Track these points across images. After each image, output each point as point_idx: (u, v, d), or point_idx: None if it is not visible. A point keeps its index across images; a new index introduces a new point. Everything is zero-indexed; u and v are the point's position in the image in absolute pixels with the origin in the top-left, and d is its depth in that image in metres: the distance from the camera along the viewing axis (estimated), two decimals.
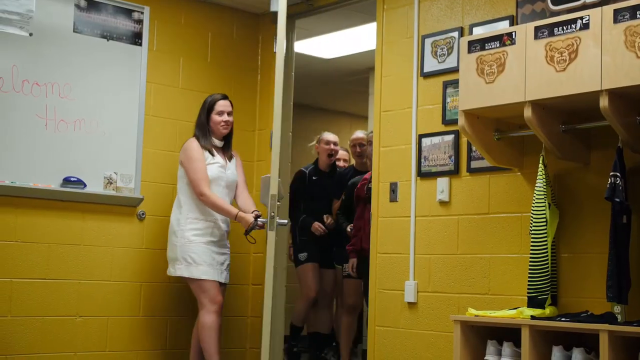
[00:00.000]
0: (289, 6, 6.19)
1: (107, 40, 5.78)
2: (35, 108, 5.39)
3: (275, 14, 5.37)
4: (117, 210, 5.79)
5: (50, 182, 5.45)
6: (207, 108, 5.55)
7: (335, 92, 9.42)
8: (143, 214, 5.84)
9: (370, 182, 5.71)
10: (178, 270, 5.44)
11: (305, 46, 7.49)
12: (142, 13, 5.95)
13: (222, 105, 5.58)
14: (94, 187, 5.64)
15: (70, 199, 5.54)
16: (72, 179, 5.52)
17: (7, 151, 5.27)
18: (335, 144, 6.99)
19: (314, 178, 6.91)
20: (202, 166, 5.43)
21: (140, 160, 5.82)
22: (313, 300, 6.83)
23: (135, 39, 5.93)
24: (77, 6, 5.67)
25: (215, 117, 5.53)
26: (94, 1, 5.73)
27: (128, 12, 5.90)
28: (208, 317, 5.36)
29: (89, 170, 5.61)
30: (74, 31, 5.63)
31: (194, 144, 5.51)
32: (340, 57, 7.99)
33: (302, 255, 6.79)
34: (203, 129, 5.53)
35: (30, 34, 5.39)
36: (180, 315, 5.96)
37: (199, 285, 5.40)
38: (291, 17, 6.37)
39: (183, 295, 5.88)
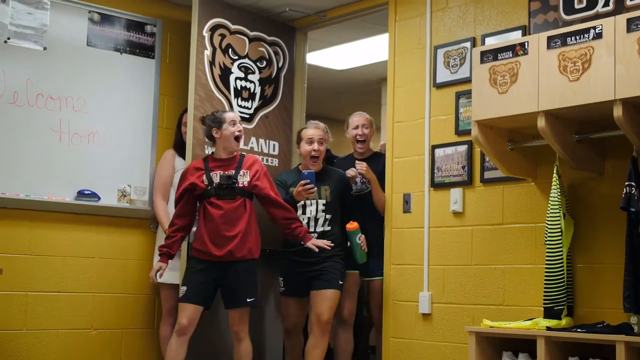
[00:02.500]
0: (301, 18, 6.24)
1: (120, 54, 5.80)
2: (49, 121, 5.42)
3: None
4: (131, 222, 5.80)
5: (65, 195, 5.47)
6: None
7: (348, 103, 9.42)
8: (156, 226, 5.85)
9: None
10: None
11: (318, 58, 7.50)
12: (154, 26, 5.98)
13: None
14: (108, 199, 5.66)
15: (84, 211, 5.56)
16: (86, 192, 5.54)
17: (22, 164, 5.30)
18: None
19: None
20: (161, 174, 5.72)
21: (154, 173, 5.84)
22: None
23: (148, 51, 5.95)
24: (91, 20, 5.70)
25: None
26: (107, 15, 5.76)
27: (141, 26, 5.92)
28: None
29: (102, 183, 5.63)
30: (87, 45, 5.66)
31: (167, 154, 5.81)
32: (353, 68, 7.99)
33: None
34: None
35: (45, 48, 5.42)
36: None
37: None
38: (303, 29, 6.39)
39: None
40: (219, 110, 5.27)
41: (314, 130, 5.46)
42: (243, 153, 5.24)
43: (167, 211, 5.58)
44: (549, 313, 4.20)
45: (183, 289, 4.95)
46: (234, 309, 4.99)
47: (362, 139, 5.74)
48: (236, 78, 5.93)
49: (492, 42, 4.85)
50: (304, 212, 5.31)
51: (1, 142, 5.27)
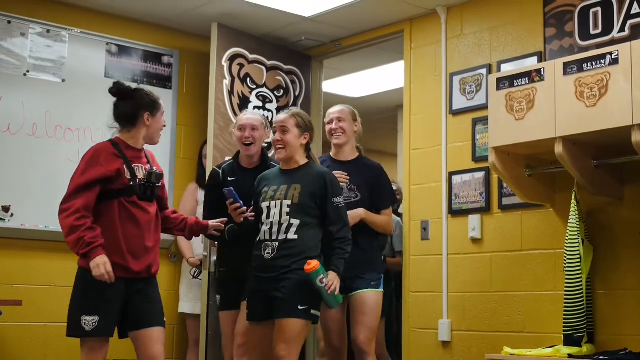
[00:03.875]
0: (317, 47, 6.28)
1: (138, 84, 5.85)
2: (68, 153, 5.45)
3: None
4: None
5: None
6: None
7: (364, 130, 9.43)
8: (175, 256, 5.86)
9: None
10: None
11: (334, 85, 7.53)
12: (171, 57, 6.03)
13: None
14: None
15: None
16: None
17: (41, 196, 5.33)
18: (253, 127, 4.54)
19: (229, 179, 4.55)
20: (184, 207, 5.74)
21: (172, 203, 5.85)
22: None
23: (165, 82, 6.00)
24: (109, 52, 5.75)
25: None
26: (125, 46, 5.82)
27: (158, 57, 5.97)
28: None
29: None
30: (105, 76, 5.70)
31: (190, 187, 5.85)
32: (369, 95, 8.01)
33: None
34: None
35: (63, 80, 5.48)
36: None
37: None
38: (319, 58, 6.42)
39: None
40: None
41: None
42: None
43: (189, 243, 5.59)
44: (569, 340, 4.17)
45: (94, 320, 3.71)
46: (154, 327, 3.84)
47: (337, 136, 4.68)
48: (254, 107, 5.97)
49: (508, 69, 4.86)
50: (267, 216, 4.09)
51: (20, 173, 5.31)
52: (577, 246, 4.22)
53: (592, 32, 4.60)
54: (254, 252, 4.11)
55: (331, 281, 3.94)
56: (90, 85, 5.63)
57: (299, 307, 3.91)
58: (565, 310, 4.21)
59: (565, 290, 4.23)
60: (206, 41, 5.84)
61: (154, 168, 3.94)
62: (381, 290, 4.51)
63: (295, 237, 4.01)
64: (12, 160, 5.27)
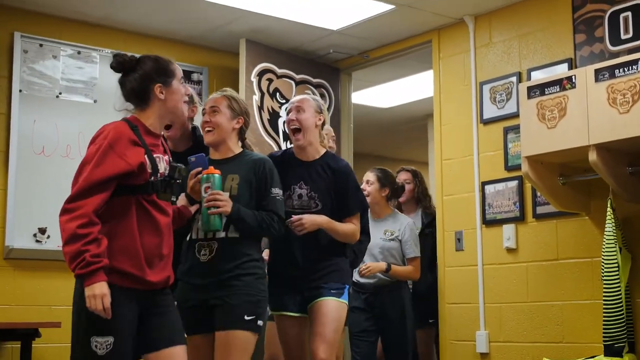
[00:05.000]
0: (345, 59, 6.28)
1: None
2: None
3: None
4: None
5: None
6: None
7: (394, 140, 9.43)
8: None
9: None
10: None
11: (363, 97, 7.53)
12: (200, 74, 6.07)
13: None
14: None
15: None
16: None
17: None
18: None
19: None
20: None
21: None
22: None
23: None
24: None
25: None
26: None
27: (187, 74, 6.01)
28: None
29: None
30: None
31: None
32: (398, 105, 8.00)
33: None
34: None
35: (95, 101, 5.53)
36: None
37: None
38: (347, 70, 6.42)
39: None
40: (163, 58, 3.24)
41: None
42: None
43: None
44: (609, 351, 4.11)
45: (107, 341, 2.93)
46: (176, 346, 3.09)
47: (294, 127, 3.92)
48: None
49: (538, 76, 4.82)
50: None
51: (55, 195, 5.32)
52: (615, 254, 4.17)
53: (623, 37, 4.56)
54: (185, 254, 3.52)
55: (214, 196, 3.36)
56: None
57: (245, 318, 3.38)
58: (604, 320, 4.15)
59: (604, 300, 4.18)
60: (235, 57, 5.87)
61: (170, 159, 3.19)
62: (344, 300, 3.79)
63: (237, 235, 3.46)
64: (47, 182, 5.31)
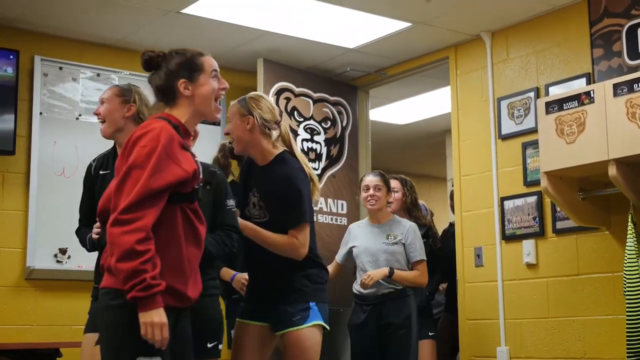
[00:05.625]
0: (362, 77, 6.30)
1: None
2: None
3: None
4: None
5: None
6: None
7: (413, 157, 9.43)
8: None
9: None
10: None
11: (381, 114, 7.54)
12: None
13: None
14: None
15: None
16: None
17: None
18: (102, 101, 3.77)
19: (101, 172, 3.81)
20: None
21: None
22: None
23: None
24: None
25: None
26: None
27: None
28: None
29: None
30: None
31: None
32: (416, 122, 8.01)
33: None
34: None
35: None
36: None
37: None
38: (365, 87, 6.44)
39: None
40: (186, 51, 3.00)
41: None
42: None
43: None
44: None
45: None
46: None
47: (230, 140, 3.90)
48: (302, 140, 6.00)
49: (556, 91, 4.82)
50: None
51: (76, 216, 5.38)
52: (637, 269, 4.14)
53: None
54: None
55: None
56: None
57: (208, 345, 3.29)
58: (628, 335, 4.12)
59: (627, 315, 4.15)
60: (253, 76, 5.90)
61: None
62: (312, 323, 3.43)
63: None
64: (67, 203, 5.31)
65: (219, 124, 6.04)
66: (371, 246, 4.83)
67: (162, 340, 2.57)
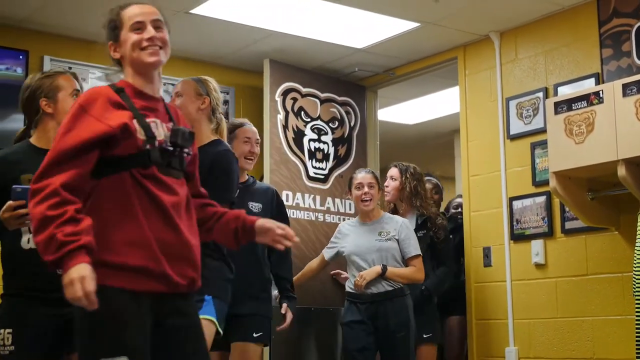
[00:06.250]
0: (370, 77, 6.30)
1: None
2: None
3: None
4: None
5: None
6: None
7: (421, 156, 9.40)
8: None
9: None
10: None
11: (389, 114, 7.54)
12: (227, 94, 6.11)
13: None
14: None
15: None
16: None
17: None
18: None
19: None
20: None
21: None
22: None
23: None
24: (166, 92, 5.85)
25: None
26: None
27: None
28: None
29: None
30: None
31: None
32: (424, 121, 8.00)
33: None
34: None
35: None
36: None
37: None
38: (373, 88, 6.44)
39: None
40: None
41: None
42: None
43: None
44: None
45: None
46: None
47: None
48: (310, 140, 6.00)
49: (565, 91, 4.81)
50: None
51: None
52: None
53: None
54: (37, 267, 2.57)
55: None
56: None
57: None
58: (637, 336, 4.11)
59: (637, 315, 4.13)
60: (260, 76, 5.91)
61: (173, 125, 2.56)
62: (201, 316, 2.85)
63: None
64: None
65: None
66: (363, 244, 4.72)
67: (86, 295, 2.18)
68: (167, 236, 2.40)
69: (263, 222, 2.63)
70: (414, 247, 4.70)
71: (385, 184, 5.11)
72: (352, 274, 4.76)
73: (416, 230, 4.92)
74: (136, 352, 2.31)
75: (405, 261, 4.70)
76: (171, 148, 2.48)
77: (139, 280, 2.34)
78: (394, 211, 5.15)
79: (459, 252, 5.46)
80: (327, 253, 4.97)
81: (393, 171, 5.15)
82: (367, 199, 4.75)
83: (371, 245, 4.69)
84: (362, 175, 4.82)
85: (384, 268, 4.59)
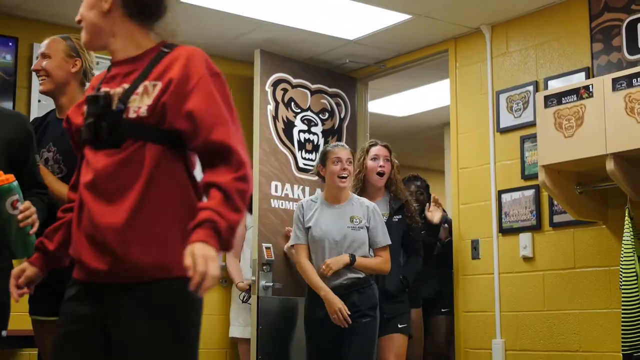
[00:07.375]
0: (361, 69, 6.30)
1: None
2: None
3: None
4: None
5: None
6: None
7: (411, 149, 9.42)
8: (226, 280, 5.90)
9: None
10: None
11: (379, 106, 7.54)
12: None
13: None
14: None
15: None
16: None
17: None
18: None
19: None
20: None
21: None
22: None
23: None
24: None
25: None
26: None
27: None
28: None
29: None
30: None
31: None
32: (414, 114, 8.01)
33: None
34: None
35: None
36: None
37: None
38: (364, 79, 6.44)
39: None
40: None
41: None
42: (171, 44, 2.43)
43: (239, 267, 5.64)
44: (628, 359, 4.10)
45: None
46: None
47: (40, 77, 3.40)
48: (299, 131, 5.99)
49: (555, 85, 4.82)
50: None
51: None
52: (633, 264, 4.15)
53: None
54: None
55: (30, 212, 2.64)
56: None
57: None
58: (623, 329, 4.14)
59: (623, 309, 4.16)
60: (251, 66, 5.90)
61: (127, 85, 2.23)
62: None
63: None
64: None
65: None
66: (333, 229, 4.30)
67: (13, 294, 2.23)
68: (86, 218, 2.15)
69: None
70: (382, 237, 4.36)
71: (381, 163, 4.71)
72: (314, 256, 4.35)
73: (392, 215, 4.64)
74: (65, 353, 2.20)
75: (374, 251, 4.40)
76: (91, 119, 2.18)
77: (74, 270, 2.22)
78: (361, 192, 4.72)
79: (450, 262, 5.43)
80: (302, 239, 4.39)
81: (385, 151, 4.78)
82: (345, 175, 4.34)
83: (342, 232, 4.30)
84: (340, 150, 4.40)
85: (353, 258, 4.26)
